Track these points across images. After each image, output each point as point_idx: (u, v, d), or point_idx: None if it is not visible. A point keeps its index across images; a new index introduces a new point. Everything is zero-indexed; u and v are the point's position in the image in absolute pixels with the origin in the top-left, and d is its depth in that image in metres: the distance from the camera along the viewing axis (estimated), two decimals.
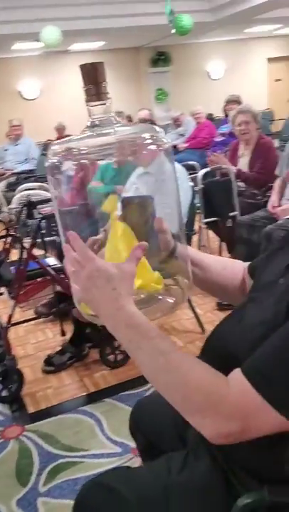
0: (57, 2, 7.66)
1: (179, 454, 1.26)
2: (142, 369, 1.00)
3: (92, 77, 1.12)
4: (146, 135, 1.13)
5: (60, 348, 3.16)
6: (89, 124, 1.14)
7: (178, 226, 1.20)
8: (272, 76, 13.74)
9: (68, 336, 3.30)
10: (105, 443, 2.38)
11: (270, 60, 13.52)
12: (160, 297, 1.15)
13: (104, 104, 1.13)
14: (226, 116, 6.78)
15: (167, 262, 1.19)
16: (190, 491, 1.13)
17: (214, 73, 12.85)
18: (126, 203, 1.16)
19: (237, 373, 0.94)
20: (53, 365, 3.06)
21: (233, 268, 1.35)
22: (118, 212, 1.13)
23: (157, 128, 1.15)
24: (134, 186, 3.09)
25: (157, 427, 1.47)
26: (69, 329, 3.45)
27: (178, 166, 3.15)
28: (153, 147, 1.11)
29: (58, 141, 1.16)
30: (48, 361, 3.08)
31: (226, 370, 1.02)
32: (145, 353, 0.97)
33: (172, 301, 1.16)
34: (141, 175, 3.10)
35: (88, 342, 3.14)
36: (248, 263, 1.34)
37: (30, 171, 7.26)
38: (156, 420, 1.48)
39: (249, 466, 1.08)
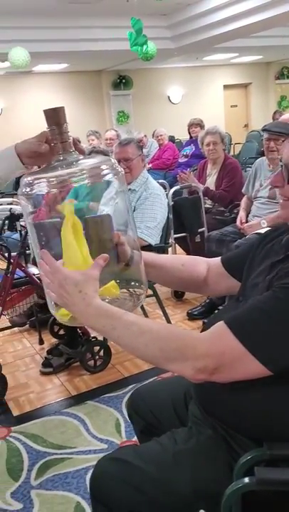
0: (23, 24, 7.83)
1: (182, 429, 1.43)
2: (122, 343, 1.20)
3: (55, 120, 1.27)
4: (104, 166, 1.26)
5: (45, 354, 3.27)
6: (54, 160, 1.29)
7: (133, 238, 1.40)
8: (229, 102, 14.29)
9: (46, 345, 3.43)
10: (91, 441, 2.51)
11: (226, 86, 14.08)
12: (118, 299, 1.32)
13: (68, 142, 1.29)
14: (190, 137, 7.09)
15: (125, 270, 1.36)
16: (197, 456, 1.30)
17: (174, 97, 13.28)
18: (88, 221, 1.31)
19: (217, 322, 1.18)
20: (51, 366, 3.17)
21: (193, 264, 1.59)
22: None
23: (112, 159, 1.31)
24: (114, 202, 3.27)
25: (156, 410, 1.62)
26: (47, 338, 3.58)
27: (156, 183, 3.37)
28: (110, 176, 1.25)
29: (31, 172, 1.34)
30: (46, 363, 3.19)
31: None
32: (120, 330, 1.18)
33: (131, 303, 1.33)
34: (120, 192, 3.29)
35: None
36: (218, 258, 1.60)
37: None
38: (154, 403, 1.64)
39: (243, 429, 1.26)
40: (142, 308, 3.97)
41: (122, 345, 1.21)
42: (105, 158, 1.35)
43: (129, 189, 3.28)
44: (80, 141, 1.36)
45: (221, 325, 1.16)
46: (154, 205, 3.17)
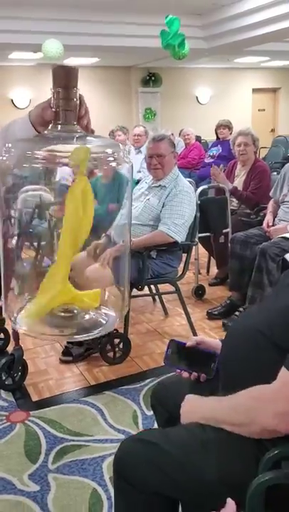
0: (57, 17, 7.89)
1: None
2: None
3: (63, 81, 1.07)
4: (109, 150, 1.10)
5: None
6: (51, 127, 1.12)
7: None
8: (256, 106, 14.22)
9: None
10: (108, 430, 2.55)
11: (254, 90, 14.01)
12: (90, 316, 1.20)
13: (72, 111, 1.09)
14: (218, 138, 7.09)
15: None
16: (225, 445, 1.32)
17: (202, 98, 13.26)
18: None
19: (281, 369, 1.24)
20: (70, 355, 3.21)
21: None
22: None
23: (120, 145, 1.13)
24: (146, 198, 3.31)
25: (179, 401, 1.66)
26: None
27: (185, 181, 3.39)
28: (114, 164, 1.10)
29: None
30: (66, 352, 3.24)
31: (256, 344, 1.30)
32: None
33: (104, 322, 1.20)
34: (153, 187, 3.32)
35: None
36: None
37: None
38: (179, 395, 1.67)
39: None
40: (162, 305, 4.00)
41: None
42: (112, 142, 1.21)
43: (159, 185, 3.31)
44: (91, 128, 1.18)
45: (283, 371, 1.25)
46: (182, 202, 3.20)
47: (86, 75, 11.88)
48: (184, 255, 3.46)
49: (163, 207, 3.21)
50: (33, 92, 11.49)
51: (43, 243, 3.01)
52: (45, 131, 1.13)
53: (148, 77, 12.21)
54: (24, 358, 3.05)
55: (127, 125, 8.41)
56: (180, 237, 3.16)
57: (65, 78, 1.07)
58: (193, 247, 4.42)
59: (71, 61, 10.70)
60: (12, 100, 11.30)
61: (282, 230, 3.56)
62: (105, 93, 11.95)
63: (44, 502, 2.07)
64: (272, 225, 3.71)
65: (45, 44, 7.23)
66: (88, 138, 1.12)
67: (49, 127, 1.13)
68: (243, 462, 1.29)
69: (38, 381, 3.03)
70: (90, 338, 1.18)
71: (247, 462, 1.29)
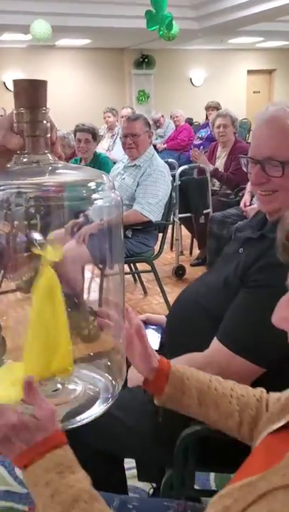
0: None
1: None
2: None
3: (29, 98, 0.84)
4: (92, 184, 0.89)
5: None
6: (15, 158, 0.87)
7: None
8: (251, 88, 14.16)
9: None
10: None
11: (249, 71, 13.94)
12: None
13: (42, 137, 0.86)
14: (207, 120, 7.10)
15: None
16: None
17: (196, 80, 13.20)
18: None
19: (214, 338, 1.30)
20: None
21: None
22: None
23: (104, 176, 0.91)
24: (121, 177, 3.33)
25: None
26: None
27: (160, 160, 3.41)
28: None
29: None
30: None
31: (194, 314, 1.35)
32: None
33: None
34: (128, 167, 3.35)
35: None
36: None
37: None
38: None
39: None
40: (142, 284, 4.05)
41: None
42: (93, 173, 0.94)
43: (134, 165, 3.34)
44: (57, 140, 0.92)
45: (215, 341, 1.30)
46: (156, 181, 3.22)
47: (78, 56, 11.84)
48: (161, 235, 3.49)
49: (137, 186, 3.24)
50: (25, 74, 11.43)
51: None
52: (8, 165, 0.88)
53: (141, 59, 12.16)
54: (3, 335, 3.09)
55: (120, 108, 8.40)
56: (154, 216, 3.19)
57: (31, 95, 0.84)
58: (176, 227, 4.49)
59: (62, 42, 10.66)
60: (4, 83, 11.25)
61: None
62: (98, 75, 11.92)
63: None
64: (250, 205, 3.74)
65: (33, 25, 7.21)
66: (64, 171, 0.91)
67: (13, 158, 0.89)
68: (178, 419, 1.34)
69: (17, 356, 3.07)
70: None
71: (180, 419, 1.34)
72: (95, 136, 4.07)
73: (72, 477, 0.76)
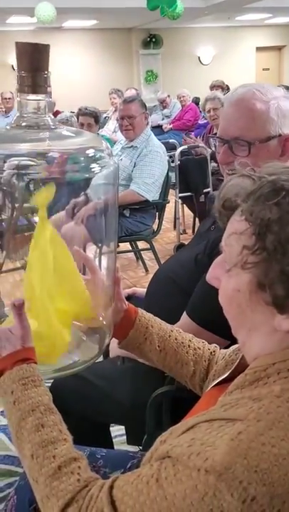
0: None
1: None
2: None
3: (31, 62, 0.86)
4: (91, 151, 0.91)
5: None
6: (15, 120, 0.89)
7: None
8: (261, 65, 14.03)
9: None
10: None
11: (258, 49, 13.80)
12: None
13: (42, 100, 0.88)
14: None
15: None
16: (138, 370, 1.46)
17: (205, 58, 13.12)
18: None
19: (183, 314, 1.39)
20: None
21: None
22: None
23: (103, 142, 0.95)
24: (119, 158, 3.43)
25: None
26: None
27: (157, 141, 3.50)
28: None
29: None
30: None
31: (168, 290, 1.46)
32: None
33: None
34: (126, 148, 3.44)
35: None
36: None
37: None
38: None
39: None
40: (143, 262, 4.16)
41: None
42: (93, 138, 1.00)
43: (131, 146, 3.43)
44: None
45: (184, 315, 1.38)
46: (152, 161, 3.32)
47: (86, 37, 11.83)
48: (159, 214, 3.59)
49: (134, 167, 3.34)
50: None
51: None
52: (8, 127, 0.90)
53: (148, 39, 12.12)
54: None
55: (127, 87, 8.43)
56: (150, 195, 3.29)
57: (33, 58, 0.85)
58: (177, 206, 4.59)
59: (69, 24, 10.66)
60: (12, 66, 11.29)
61: None
62: (106, 56, 11.90)
63: None
64: None
65: (38, 7, 7.25)
66: (64, 133, 0.92)
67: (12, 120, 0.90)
68: (154, 384, 1.46)
69: None
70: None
71: (156, 384, 1.45)
72: (97, 119, 4.18)
73: (34, 390, 0.88)
